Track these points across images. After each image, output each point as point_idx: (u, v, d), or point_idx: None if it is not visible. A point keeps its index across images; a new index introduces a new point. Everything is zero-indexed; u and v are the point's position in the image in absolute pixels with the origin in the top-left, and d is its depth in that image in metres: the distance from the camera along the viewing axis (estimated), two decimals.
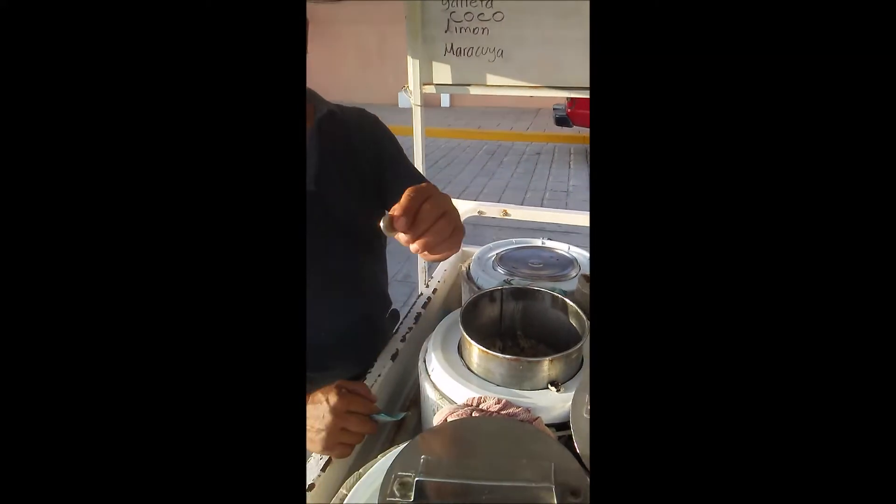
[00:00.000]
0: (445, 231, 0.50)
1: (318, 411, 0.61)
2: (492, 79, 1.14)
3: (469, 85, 1.15)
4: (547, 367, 0.62)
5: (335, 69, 8.92)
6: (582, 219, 1.19)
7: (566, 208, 4.03)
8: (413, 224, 0.48)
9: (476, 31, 1.11)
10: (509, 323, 0.80)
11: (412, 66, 1.15)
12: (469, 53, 1.13)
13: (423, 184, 0.52)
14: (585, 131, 5.83)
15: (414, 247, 0.50)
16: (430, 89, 1.17)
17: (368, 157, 0.81)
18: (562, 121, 5.70)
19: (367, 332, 0.88)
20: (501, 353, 0.64)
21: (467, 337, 0.64)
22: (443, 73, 1.16)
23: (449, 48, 1.14)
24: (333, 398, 0.61)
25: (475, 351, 0.64)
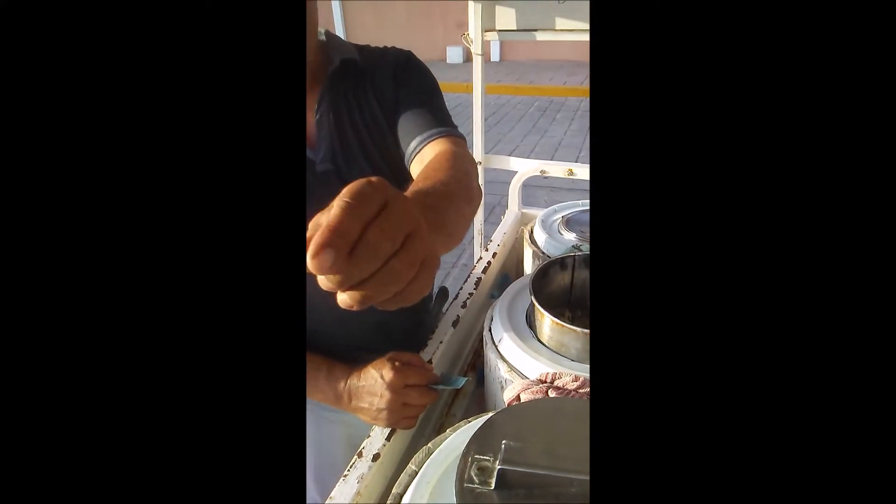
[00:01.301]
0: (403, 276, 0.27)
1: (375, 389, 0.58)
2: (561, 22, 1.03)
3: (535, 30, 1.05)
4: None
5: (382, 23, 8.70)
6: None
7: None
8: (347, 264, 0.25)
9: None
10: (580, 293, 0.74)
11: (473, 11, 1.06)
12: None
13: (373, 179, 0.28)
14: None
15: (343, 298, 0.27)
16: (491, 36, 1.08)
17: (386, 107, 0.62)
18: None
19: (407, 321, 0.78)
20: (571, 324, 0.59)
21: (539, 307, 0.60)
22: (506, 17, 1.06)
23: None
24: (389, 374, 0.57)
25: (547, 322, 0.59)
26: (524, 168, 1.13)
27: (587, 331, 0.57)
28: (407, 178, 0.63)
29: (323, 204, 0.27)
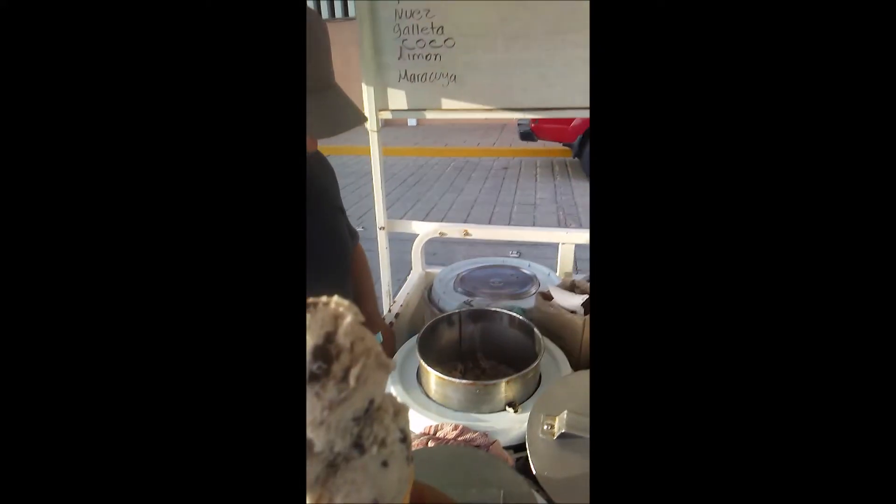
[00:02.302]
0: None
1: None
2: (447, 103, 1.16)
3: (424, 109, 1.17)
4: (504, 388, 0.63)
5: None
6: (545, 235, 1.22)
7: (534, 221, 4.09)
8: None
9: (429, 58, 1.14)
10: (469, 345, 0.80)
11: (367, 93, 1.16)
12: (423, 79, 1.15)
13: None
14: (550, 145, 5.95)
15: None
16: (386, 114, 1.19)
17: (331, 199, 0.88)
18: (526, 135, 5.82)
19: None
20: (462, 375, 0.64)
21: (424, 364, 0.65)
22: (398, 98, 1.18)
23: (403, 75, 1.15)
24: None
25: (432, 377, 0.64)
26: (424, 230, 1.21)
27: (467, 382, 0.63)
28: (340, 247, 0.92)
29: None
